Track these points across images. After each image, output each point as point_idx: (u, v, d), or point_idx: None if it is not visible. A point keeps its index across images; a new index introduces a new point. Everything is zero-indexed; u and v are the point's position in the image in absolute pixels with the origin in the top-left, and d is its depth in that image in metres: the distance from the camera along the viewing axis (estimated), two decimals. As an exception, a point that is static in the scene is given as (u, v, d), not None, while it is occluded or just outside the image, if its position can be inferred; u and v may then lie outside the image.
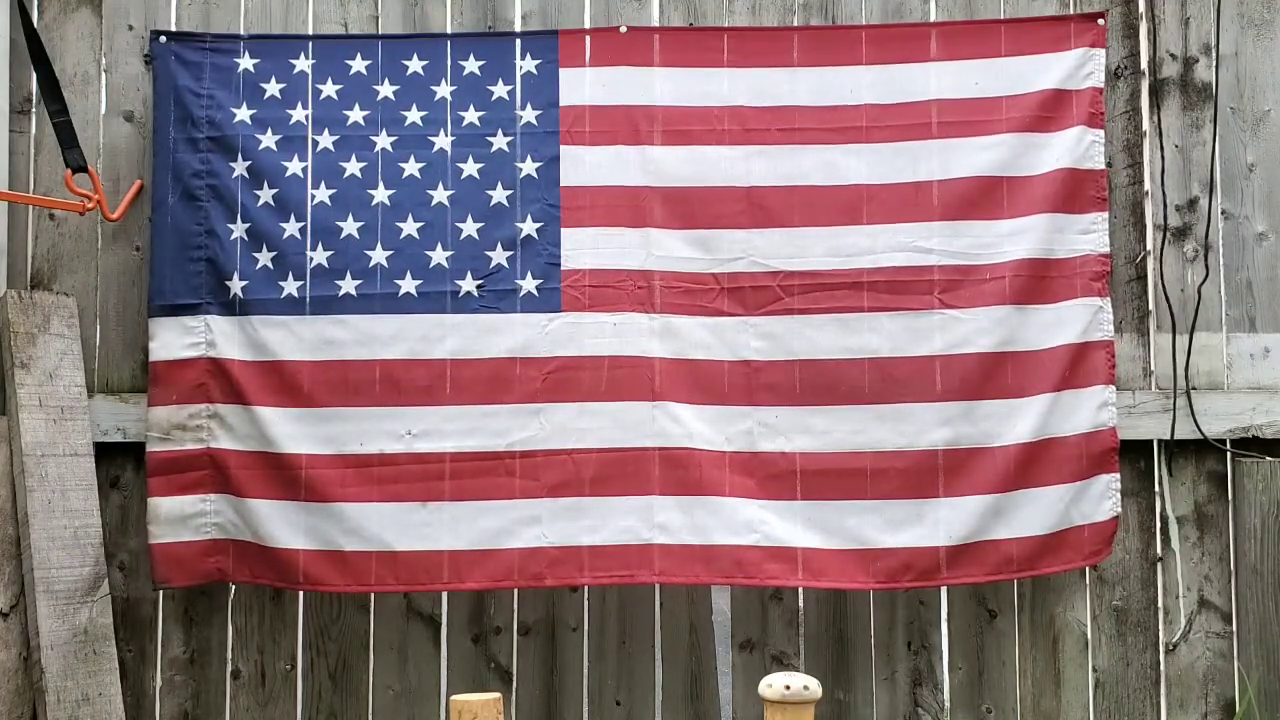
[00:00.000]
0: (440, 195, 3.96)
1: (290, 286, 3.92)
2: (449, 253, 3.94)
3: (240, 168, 3.95)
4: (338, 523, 3.86)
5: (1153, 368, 4.06)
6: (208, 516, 3.92)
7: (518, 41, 4.03)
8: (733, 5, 4.13)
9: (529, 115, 3.99)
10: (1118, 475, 3.90)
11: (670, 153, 3.96)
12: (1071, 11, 4.10)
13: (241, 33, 4.08)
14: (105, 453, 3.99)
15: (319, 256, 3.93)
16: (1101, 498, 3.89)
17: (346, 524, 3.86)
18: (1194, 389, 4.03)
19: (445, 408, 3.89)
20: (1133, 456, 4.00)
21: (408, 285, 3.93)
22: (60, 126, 3.96)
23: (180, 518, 3.91)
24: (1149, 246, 4.08)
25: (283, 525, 3.87)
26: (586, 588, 4.01)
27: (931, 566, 3.86)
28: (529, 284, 3.94)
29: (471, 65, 4.01)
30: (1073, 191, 3.95)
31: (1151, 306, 4.07)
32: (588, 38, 4.03)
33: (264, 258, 3.93)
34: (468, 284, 3.93)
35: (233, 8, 4.12)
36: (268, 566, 3.89)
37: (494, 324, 3.92)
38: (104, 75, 4.11)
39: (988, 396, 3.88)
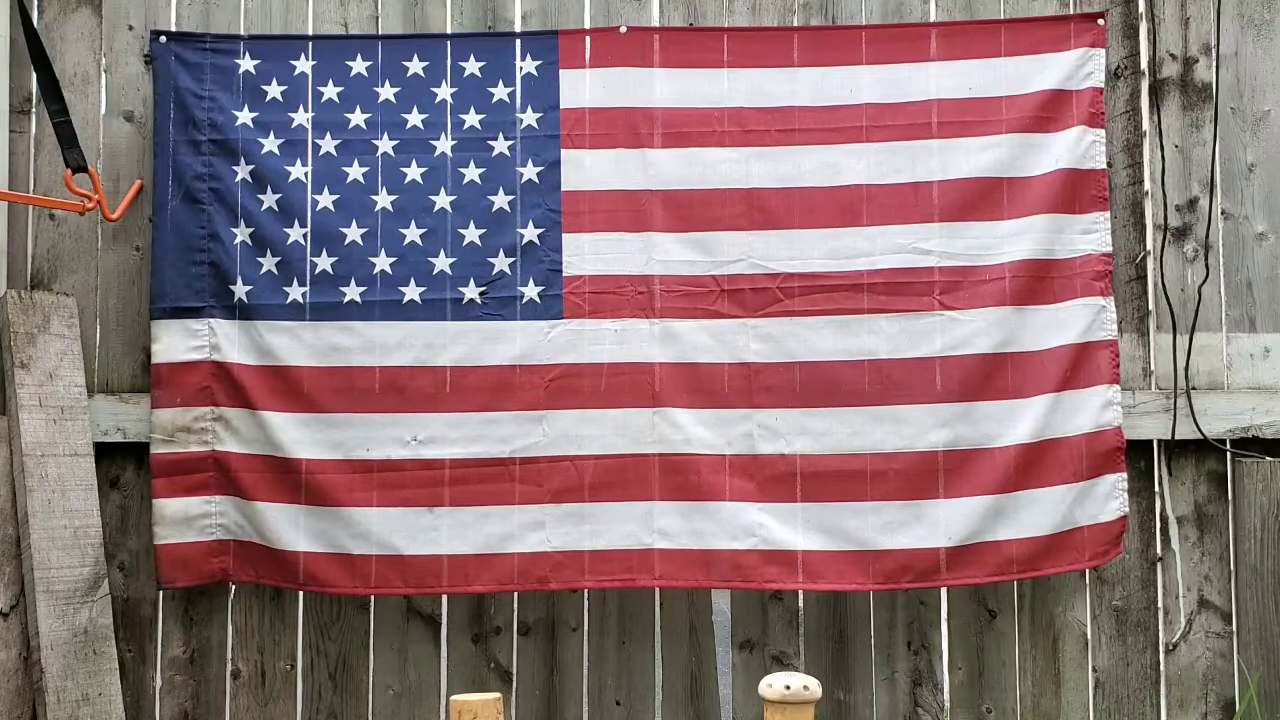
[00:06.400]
0: (442, 201, 3.97)
1: (295, 292, 3.93)
2: (451, 259, 3.95)
3: (243, 171, 3.95)
4: (346, 527, 3.88)
5: (1153, 368, 4.07)
6: (213, 518, 3.93)
7: (518, 42, 4.02)
8: (733, 5, 4.13)
9: (530, 118, 3.99)
10: (1124, 475, 3.90)
11: (670, 155, 3.96)
12: (1071, 11, 4.10)
13: (241, 33, 4.08)
14: (105, 453, 4.00)
15: (323, 263, 3.93)
16: (1107, 498, 3.90)
17: (355, 528, 3.88)
18: (1194, 389, 4.03)
19: (450, 414, 3.91)
20: (1133, 456, 4.00)
21: (411, 292, 3.93)
22: (60, 126, 3.96)
23: (185, 519, 3.92)
24: (1149, 246, 4.08)
25: (290, 528, 3.89)
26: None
27: (931, 567, 3.86)
28: (531, 291, 3.94)
29: (472, 66, 4.01)
30: (1073, 192, 3.95)
31: (1152, 306, 4.07)
32: (588, 38, 4.03)
33: (268, 263, 3.94)
34: (470, 291, 3.94)
35: (233, 7, 4.12)
36: (274, 568, 3.91)
37: (496, 331, 3.93)
38: (104, 75, 4.11)
39: (987, 398, 3.88)
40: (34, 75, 4.03)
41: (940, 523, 3.87)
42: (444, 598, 4.03)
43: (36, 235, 4.07)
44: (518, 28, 4.13)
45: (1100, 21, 4.02)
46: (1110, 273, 3.94)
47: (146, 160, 4.05)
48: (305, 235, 3.94)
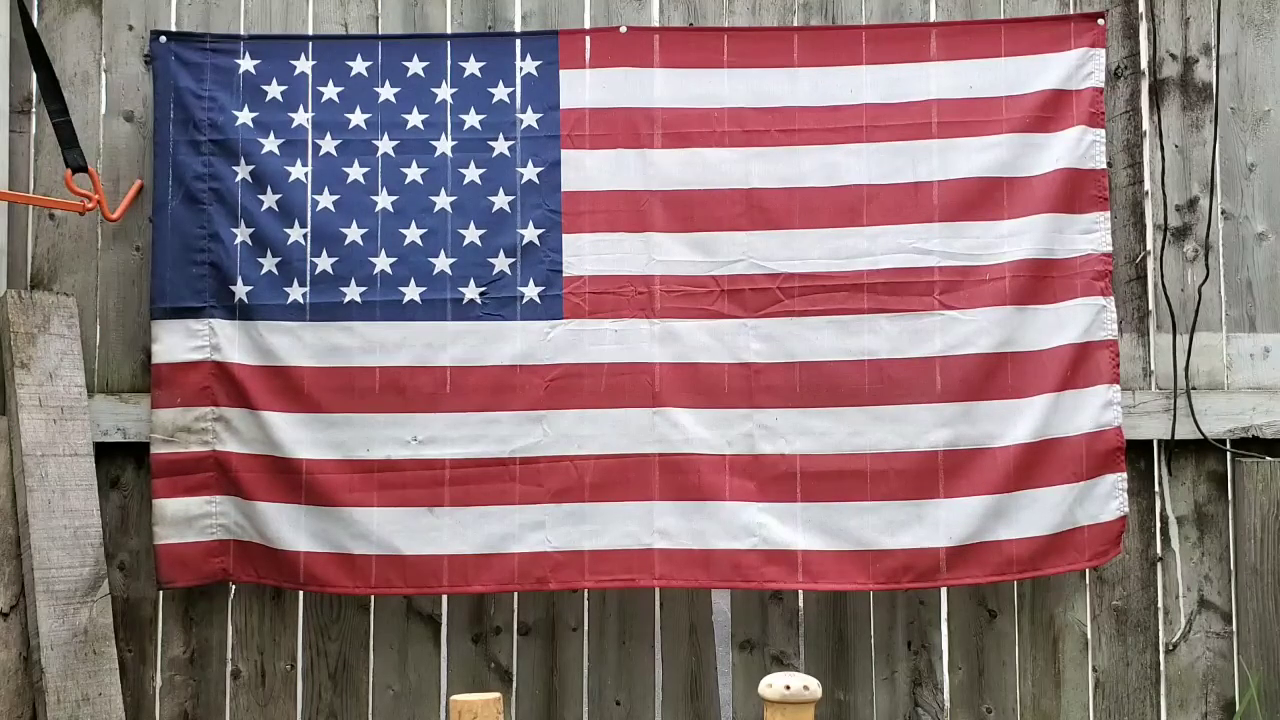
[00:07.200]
0: (442, 201, 3.97)
1: (295, 293, 3.93)
2: (451, 260, 3.95)
3: (243, 171, 3.95)
4: (346, 527, 3.88)
5: (1153, 368, 4.07)
6: (213, 518, 3.93)
7: (518, 42, 4.02)
8: (733, 5, 4.13)
9: (530, 119, 3.99)
10: (1124, 475, 3.90)
11: (670, 155, 3.96)
12: (1071, 11, 4.10)
13: (242, 33, 4.08)
14: (105, 453, 3.99)
15: (323, 263, 3.93)
16: (1108, 498, 3.90)
17: (355, 528, 3.88)
18: (1194, 389, 4.03)
19: (450, 414, 3.91)
20: (1133, 456, 3.99)
21: (411, 293, 3.93)
22: (60, 126, 3.96)
23: (185, 519, 3.92)
24: (1149, 246, 4.08)
25: (290, 528, 3.89)
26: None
27: (932, 567, 3.86)
28: (531, 291, 3.94)
29: (472, 67, 4.01)
30: (1073, 191, 3.95)
31: (1151, 306, 4.07)
32: (588, 38, 4.03)
33: (268, 263, 3.94)
34: (470, 291, 3.94)
35: (233, 8, 4.12)
36: (274, 568, 3.91)
37: (496, 331, 3.93)
38: (104, 75, 4.11)
39: (988, 397, 3.88)
40: (34, 75, 4.03)
41: (941, 522, 3.87)
42: (444, 598, 4.03)
43: (36, 235, 4.07)
44: (518, 28, 4.13)
45: (1100, 21, 4.02)
46: (1110, 272, 3.95)
47: (146, 160, 4.05)
48: (305, 235, 3.94)
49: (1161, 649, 4.04)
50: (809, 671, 3.97)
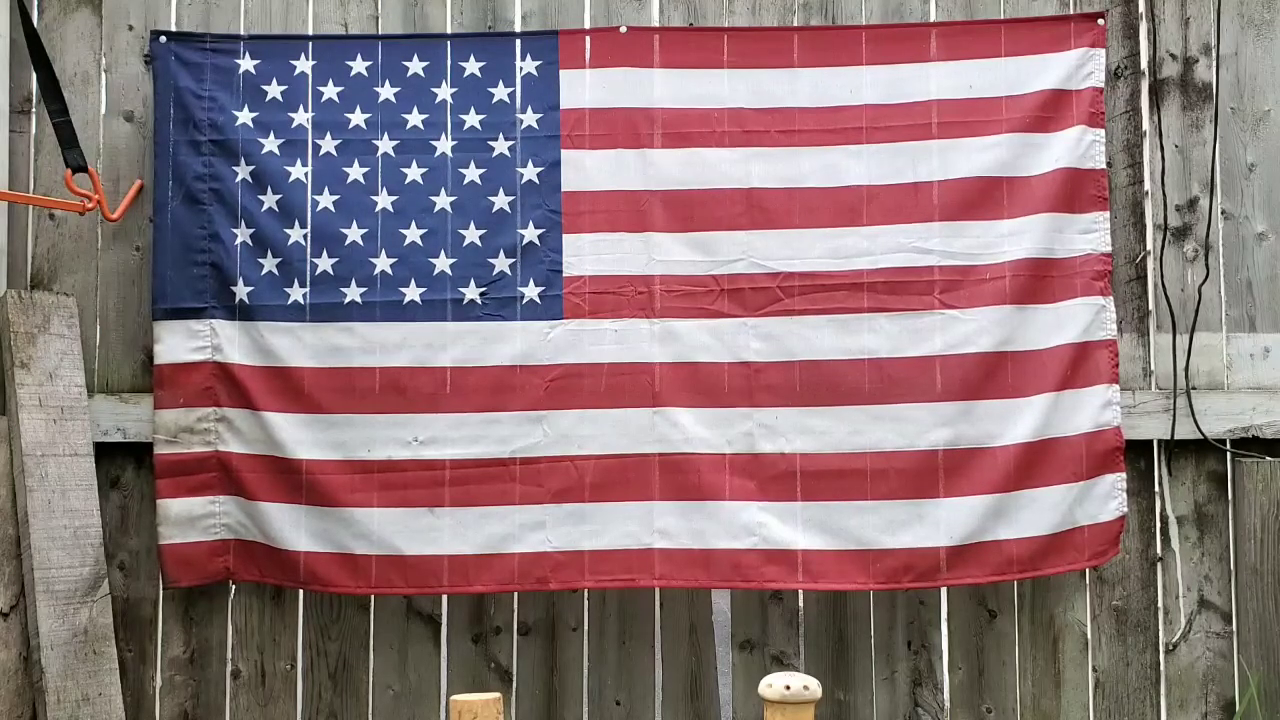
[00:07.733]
0: (442, 201, 3.97)
1: (296, 293, 3.93)
2: (451, 260, 3.95)
3: (243, 172, 3.95)
4: (347, 527, 3.88)
5: (1153, 368, 4.07)
6: (217, 518, 3.93)
7: (518, 42, 4.02)
8: (733, 5, 4.13)
9: (530, 119, 3.99)
10: (1124, 475, 3.90)
11: (670, 155, 3.96)
12: (1071, 11, 4.10)
13: (242, 33, 4.08)
14: (105, 453, 3.99)
15: (323, 264, 3.93)
16: (1107, 497, 3.90)
17: (356, 528, 3.88)
18: (1194, 389, 4.03)
19: (450, 415, 3.91)
20: (1133, 456, 3.99)
21: (412, 293, 3.93)
22: (60, 126, 3.96)
23: (189, 519, 3.92)
24: (1149, 246, 4.08)
25: (293, 528, 3.89)
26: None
27: (932, 567, 3.86)
28: (531, 291, 3.94)
29: (472, 67, 4.01)
30: (1073, 191, 3.95)
31: (1151, 306, 4.07)
32: (588, 38, 4.03)
33: (269, 263, 3.94)
34: (470, 292, 3.94)
35: (233, 8, 4.12)
36: (277, 567, 3.91)
37: (496, 332, 3.93)
38: (104, 75, 4.11)
39: (988, 397, 3.88)
40: (34, 75, 4.03)
41: (941, 522, 3.86)
42: (444, 598, 4.03)
43: (36, 235, 4.07)
44: (518, 28, 4.13)
45: (1100, 21, 4.02)
46: (1110, 272, 3.95)
47: (147, 160, 4.05)
48: (306, 236, 3.94)
49: (1161, 649, 4.04)
50: (809, 671, 3.97)
